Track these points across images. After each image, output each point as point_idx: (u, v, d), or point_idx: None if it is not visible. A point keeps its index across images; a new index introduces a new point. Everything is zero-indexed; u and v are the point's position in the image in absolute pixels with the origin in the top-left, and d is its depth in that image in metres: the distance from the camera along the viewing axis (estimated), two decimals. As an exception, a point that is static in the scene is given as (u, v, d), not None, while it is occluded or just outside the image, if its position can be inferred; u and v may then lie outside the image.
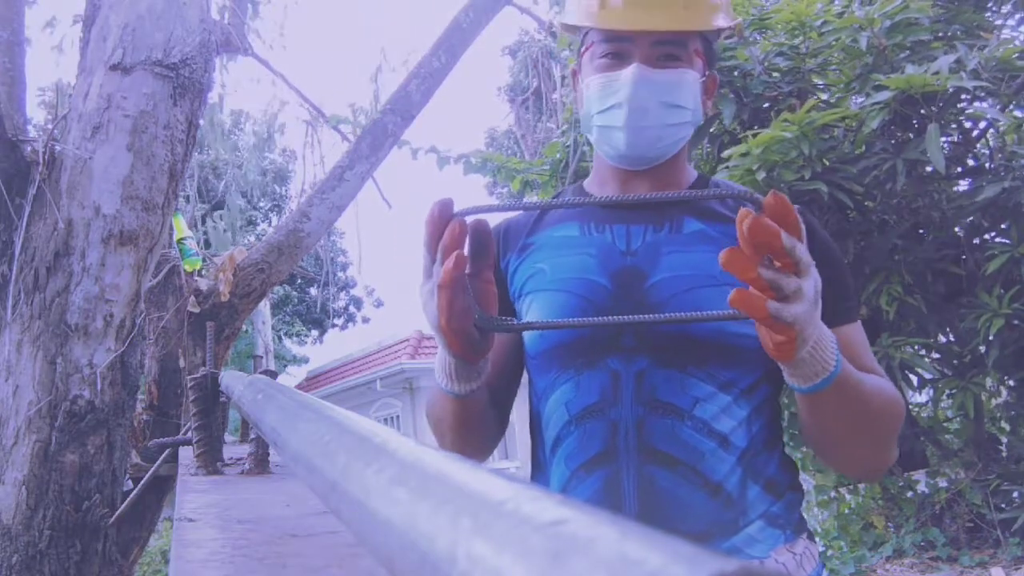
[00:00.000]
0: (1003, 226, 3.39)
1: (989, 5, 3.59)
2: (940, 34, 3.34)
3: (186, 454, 1.83)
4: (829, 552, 4.61)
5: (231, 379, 1.35)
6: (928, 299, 3.40)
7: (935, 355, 3.74)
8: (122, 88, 2.49)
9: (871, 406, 0.88)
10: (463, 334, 0.81)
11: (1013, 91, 3.01)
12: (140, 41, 2.53)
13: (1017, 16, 3.78)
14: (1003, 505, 4.15)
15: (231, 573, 0.68)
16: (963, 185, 3.58)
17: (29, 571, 2.24)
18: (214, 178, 12.79)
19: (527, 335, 1.04)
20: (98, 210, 2.42)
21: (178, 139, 2.58)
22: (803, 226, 0.73)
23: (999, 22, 3.65)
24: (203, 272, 3.35)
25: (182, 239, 3.35)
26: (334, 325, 19.50)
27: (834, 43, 3.31)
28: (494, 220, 1.13)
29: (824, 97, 3.48)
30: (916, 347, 3.48)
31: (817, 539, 2.70)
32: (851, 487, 4.64)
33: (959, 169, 3.57)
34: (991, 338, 3.25)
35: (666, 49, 0.99)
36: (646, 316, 0.86)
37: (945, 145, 3.22)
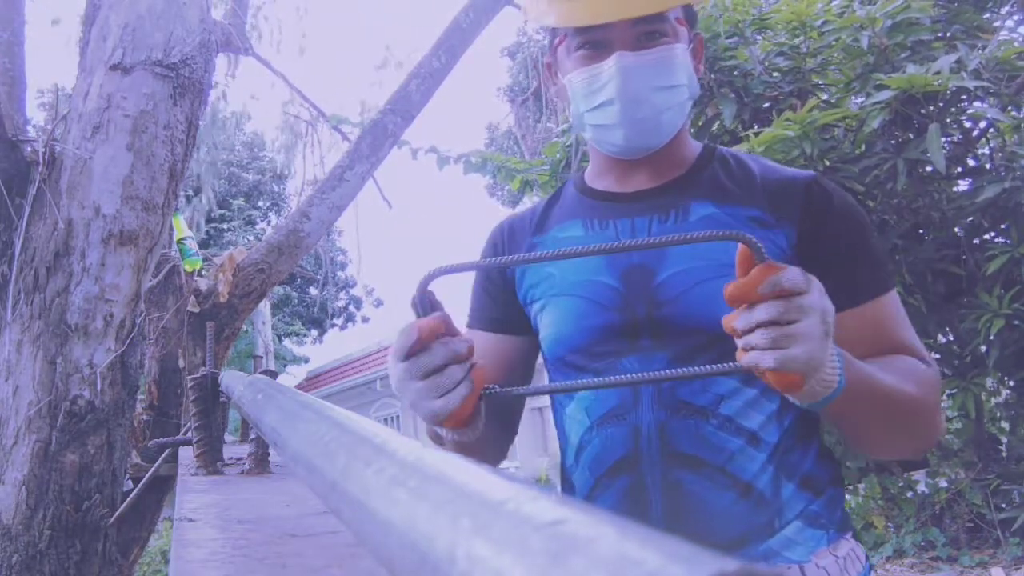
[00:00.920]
0: (1003, 226, 3.39)
1: (989, 5, 3.59)
2: (940, 34, 3.34)
3: (186, 454, 1.83)
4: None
5: (231, 379, 1.35)
6: (928, 299, 3.40)
7: (935, 355, 3.73)
8: (122, 88, 2.49)
9: (893, 399, 0.82)
10: (464, 422, 0.79)
11: (1013, 91, 3.01)
12: (140, 41, 2.53)
13: (1016, 16, 3.78)
14: (1003, 505, 4.15)
15: (231, 573, 0.68)
16: (963, 185, 3.58)
17: (29, 571, 2.24)
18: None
19: (544, 339, 1.00)
20: (98, 210, 2.42)
21: (178, 139, 2.58)
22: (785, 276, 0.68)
23: (997, 23, 3.64)
24: (203, 272, 3.35)
25: (182, 239, 3.35)
26: (333, 325, 19.50)
27: (835, 43, 3.31)
28: (491, 223, 1.12)
29: (825, 97, 3.48)
30: (916, 347, 3.47)
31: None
32: (851, 487, 4.63)
33: (959, 169, 3.57)
34: (991, 338, 3.25)
35: (647, 27, 0.92)
36: (651, 375, 0.77)
37: (945, 145, 3.22)
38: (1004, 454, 4.26)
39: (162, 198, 2.55)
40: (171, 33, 2.57)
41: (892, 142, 3.24)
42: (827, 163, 3.17)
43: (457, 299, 1.00)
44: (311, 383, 17.37)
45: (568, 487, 0.99)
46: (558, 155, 3.90)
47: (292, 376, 17.89)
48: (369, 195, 3.99)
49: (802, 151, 3.02)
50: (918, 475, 4.60)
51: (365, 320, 20.28)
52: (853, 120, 3.27)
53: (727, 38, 3.36)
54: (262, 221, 17.74)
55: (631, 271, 0.94)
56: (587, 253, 0.71)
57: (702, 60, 1.02)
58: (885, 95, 2.93)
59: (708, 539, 0.86)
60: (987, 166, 3.44)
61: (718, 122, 3.47)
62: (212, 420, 1.58)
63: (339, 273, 17.97)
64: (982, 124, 3.45)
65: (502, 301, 1.06)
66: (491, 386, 0.80)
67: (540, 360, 1.08)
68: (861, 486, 4.64)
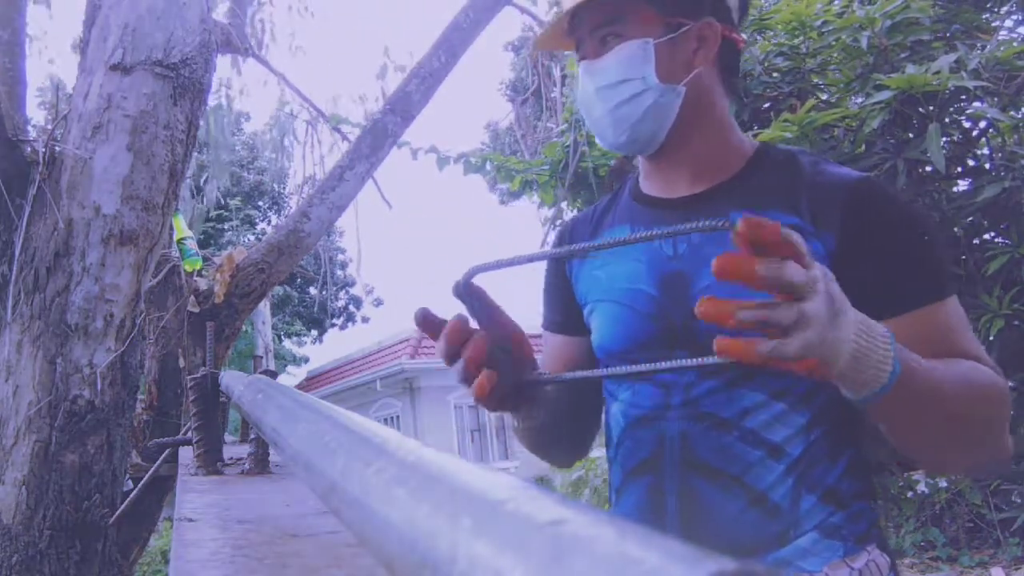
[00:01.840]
0: (1003, 226, 3.39)
1: (988, 5, 3.60)
2: (940, 34, 3.34)
3: (186, 454, 1.83)
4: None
5: (231, 379, 1.35)
6: (928, 299, 3.39)
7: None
8: (122, 88, 2.49)
9: (955, 403, 0.77)
10: (508, 405, 0.87)
11: (1013, 91, 3.01)
12: (140, 41, 2.53)
13: (1016, 16, 3.78)
14: (1003, 505, 4.15)
15: (231, 573, 0.68)
16: (963, 185, 3.58)
17: (29, 571, 2.24)
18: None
19: (595, 340, 1.03)
20: (98, 210, 2.43)
21: (178, 139, 2.58)
22: (795, 240, 0.62)
23: (997, 23, 3.65)
24: (203, 272, 3.35)
25: (182, 239, 3.35)
26: (333, 324, 19.51)
27: (834, 43, 3.31)
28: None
29: (824, 97, 3.48)
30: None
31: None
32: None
33: (959, 169, 3.57)
34: (991, 339, 3.25)
35: (606, 31, 0.96)
36: (647, 366, 0.82)
37: (945, 145, 3.22)
38: (1004, 454, 4.25)
39: (162, 198, 2.55)
40: (171, 33, 2.57)
41: (892, 142, 3.24)
42: (827, 163, 3.17)
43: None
44: (311, 383, 17.37)
45: (610, 476, 1.05)
46: (557, 155, 3.90)
47: (292, 376, 17.90)
48: (369, 195, 3.99)
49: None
50: (918, 475, 4.60)
51: (365, 320, 20.29)
52: (853, 120, 3.27)
53: None
54: (262, 221, 17.75)
55: (669, 278, 0.94)
56: (587, 250, 0.73)
57: (701, 49, 0.97)
58: (885, 95, 2.93)
59: (718, 545, 0.87)
60: (987, 166, 3.44)
61: (718, 122, 3.46)
62: (212, 420, 1.58)
63: (339, 273, 17.97)
64: (982, 124, 3.46)
65: (562, 303, 1.11)
66: (540, 372, 0.87)
67: None
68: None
